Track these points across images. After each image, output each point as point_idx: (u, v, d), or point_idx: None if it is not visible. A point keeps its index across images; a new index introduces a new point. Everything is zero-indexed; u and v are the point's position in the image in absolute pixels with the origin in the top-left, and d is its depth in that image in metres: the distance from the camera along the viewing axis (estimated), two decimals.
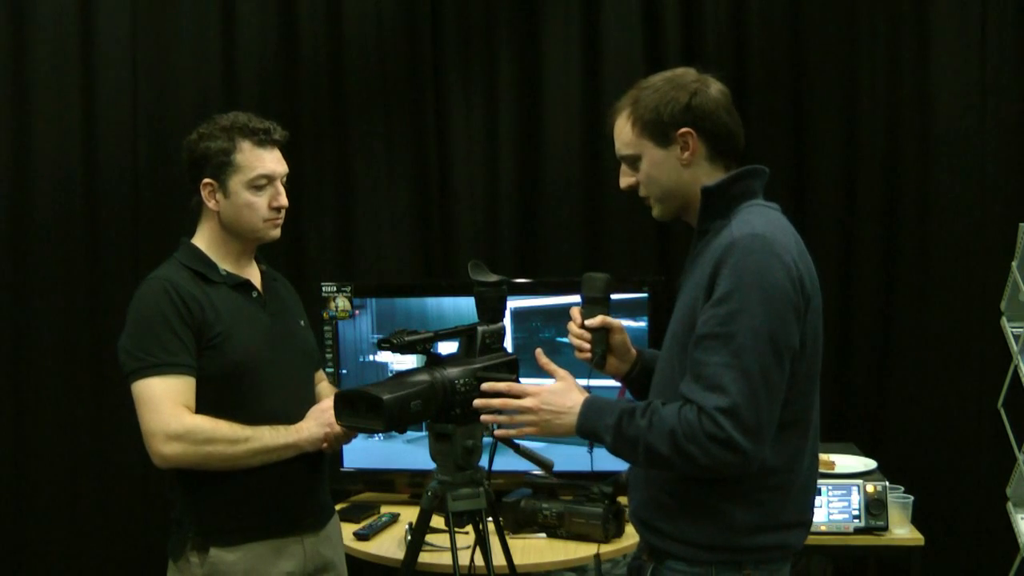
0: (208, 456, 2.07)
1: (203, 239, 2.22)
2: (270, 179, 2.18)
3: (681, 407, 1.72)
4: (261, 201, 2.18)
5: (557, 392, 1.85)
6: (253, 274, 2.28)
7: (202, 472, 2.10)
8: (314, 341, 2.45)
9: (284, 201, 2.21)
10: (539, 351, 1.92)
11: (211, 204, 2.18)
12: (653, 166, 1.87)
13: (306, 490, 2.25)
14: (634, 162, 1.89)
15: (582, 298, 2.04)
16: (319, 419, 2.19)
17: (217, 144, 2.15)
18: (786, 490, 1.82)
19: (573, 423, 1.82)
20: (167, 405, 2.06)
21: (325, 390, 2.44)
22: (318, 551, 2.26)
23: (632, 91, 1.91)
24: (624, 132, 1.88)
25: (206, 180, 2.16)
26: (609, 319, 2.02)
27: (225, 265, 2.21)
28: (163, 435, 2.05)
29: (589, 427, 1.81)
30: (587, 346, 2.02)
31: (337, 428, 2.17)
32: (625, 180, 1.92)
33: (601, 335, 2.02)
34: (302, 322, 2.39)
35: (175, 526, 2.18)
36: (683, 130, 1.84)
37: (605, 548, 2.71)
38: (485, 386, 1.89)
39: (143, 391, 2.07)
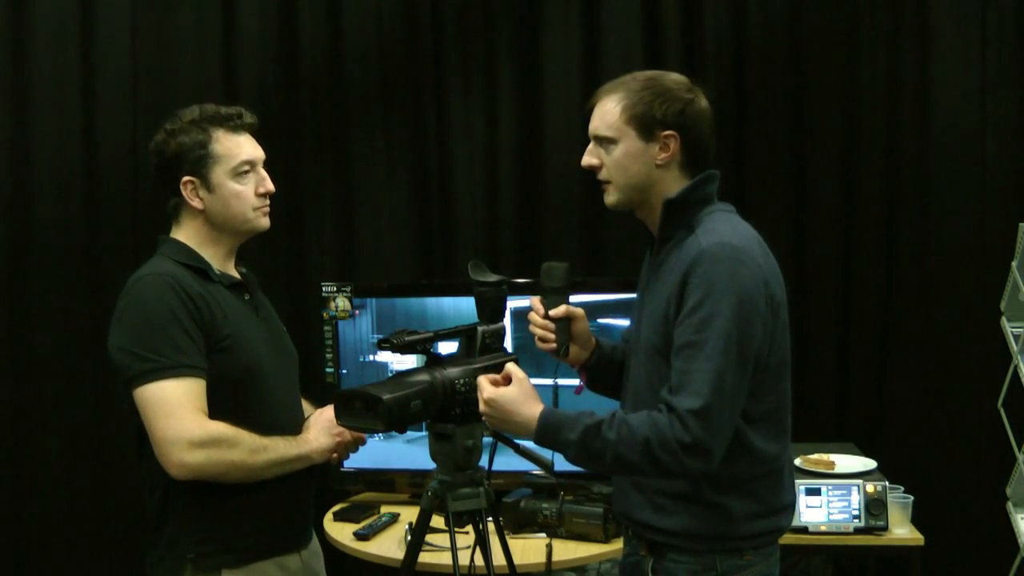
0: (231, 466, 1.96)
1: (189, 238, 2.10)
2: (252, 165, 2.09)
3: (651, 413, 1.78)
4: (248, 189, 2.08)
5: (509, 403, 1.87)
6: (236, 275, 2.18)
7: (205, 489, 1.98)
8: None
9: (271, 186, 2.12)
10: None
11: (195, 203, 2.06)
12: (628, 156, 1.90)
13: (306, 505, 2.20)
14: (608, 145, 1.91)
15: (543, 289, 2.06)
16: (327, 429, 2.12)
17: (191, 138, 2.04)
18: (777, 476, 1.92)
19: (529, 434, 1.86)
20: (187, 410, 1.93)
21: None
22: (310, 564, 2.21)
23: (626, 78, 1.93)
24: (610, 114, 1.90)
25: (186, 178, 2.04)
26: (572, 308, 2.05)
27: (216, 265, 2.10)
28: (186, 443, 1.91)
29: (548, 444, 1.85)
30: (551, 336, 2.05)
31: (347, 436, 2.14)
32: (589, 159, 1.95)
33: (564, 325, 2.05)
34: (283, 327, 2.30)
35: (165, 547, 2.02)
36: (669, 132, 1.88)
37: (605, 548, 2.72)
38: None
39: (156, 395, 1.93)
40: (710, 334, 1.75)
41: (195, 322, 1.98)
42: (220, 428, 1.96)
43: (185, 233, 2.11)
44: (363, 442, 2.24)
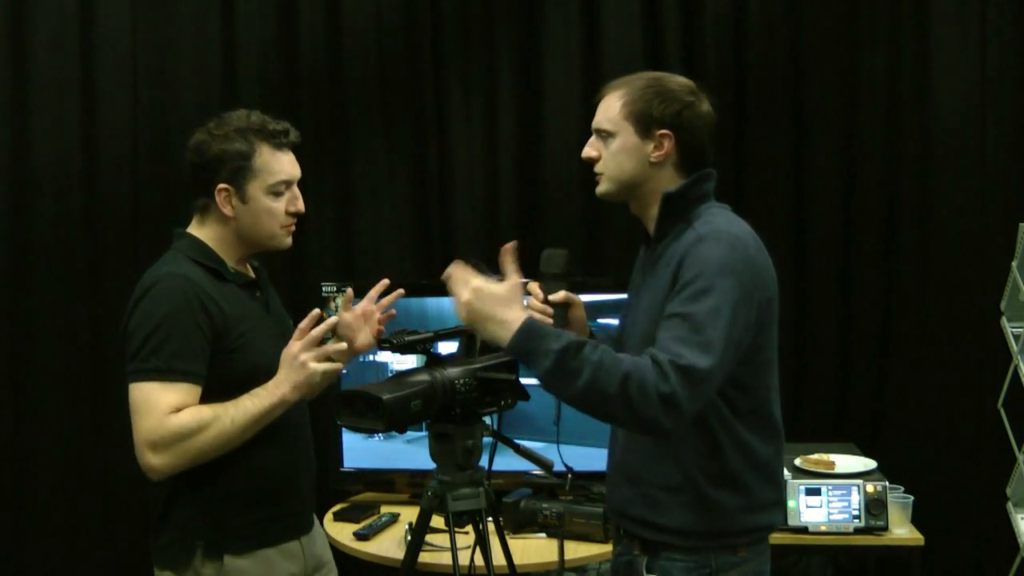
0: (200, 452, 1.97)
1: (209, 237, 2.12)
2: (288, 184, 2.11)
3: (636, 358, 1.76)
4: (280, 206, 2.09)
5: (496, 299, 1.82)
6: (249, 271, 2.21)
7: (211, 478, 2.02)
8: None
9: (302, 206, 2.13)
10: (508, 247, 1.90)
11: (227, 210, 2.07)
12: (623, 150, 1.95)
13: (307, 493, 2.22)
14: (607, 138, 1.97)
15: (542, 275, 2.08)
16: (288, 364, 2.02)
17: (234, 147, 2.04)
18: (767, 471, 1.93)
19: (506, 338, 1.80)
20: (157, 413, 1.95)
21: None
22: (312, 551, 2.23)
23: (633, 76, 1.99)
24: (611, 108, 1.96)
25: (222, 185, 2.05)
26: (571, 295, 2.07)
27: (230, 263, 2.13)
28: (149, 444, 1.95)
29: (525, 347, 1.79)
30: (550, 321, 2.04)
31: (317, 367, 2.02)
32: (588, 151, 2.01)
33: (562, 310, 2.07)
34: (290, 320, 2.30)
35: (173, 533, 2.06)
36: (664, 132, 1.92)
37: (605, 548, 2.72)
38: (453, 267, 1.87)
39: (138, 395, 1.97)
40: (700, 308, 1.76)
41: (201, 328, 1.99)
42: (181, 421, 1.95)
43: (207, 232, 2.12)
44: (345, 363, 2.16)
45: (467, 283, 1.84)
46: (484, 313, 1.82)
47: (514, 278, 1.87)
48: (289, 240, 2.16)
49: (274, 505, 2.11)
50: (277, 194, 2.09)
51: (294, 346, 2.03)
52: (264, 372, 2.06)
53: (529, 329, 1.80)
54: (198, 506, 2.05)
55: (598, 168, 1.99)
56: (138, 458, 1.98)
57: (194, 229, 2.14)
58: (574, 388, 1.75)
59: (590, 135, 2.02)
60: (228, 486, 2.05)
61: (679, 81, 1.98)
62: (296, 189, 2.14)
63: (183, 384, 1.98)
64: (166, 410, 1.96)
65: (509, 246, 1.92)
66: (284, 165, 2.10)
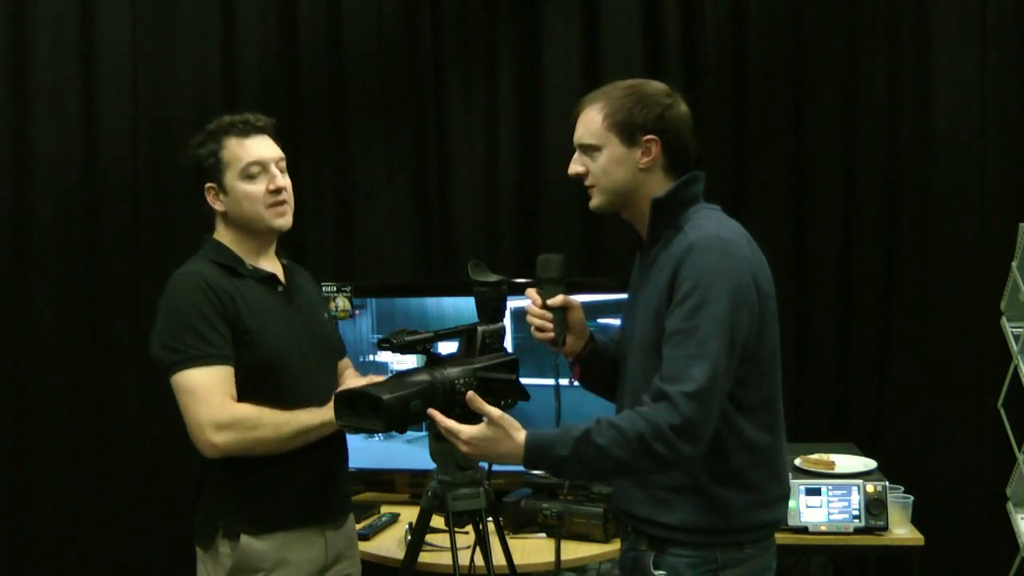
0: (256, 442, 2.11)
1: (226, 238, 2.27)
2: (262, 165, 2.21)
3: (637, 410, 1.80)
4: (258, 188, 2.21)
5: (489, 441, 1.87)
6: (276, 268, 2.32)
7: (233, 466, 2.14)
8: (338, 333, 2.53)
9: (280, 182, 2.23)
10: (470, 394, 1.90)
11: (217, 206, 2.24)
12: (611, 161, 1.95)
13: (329, 483, 2.29)
14: (593, 152, 1.97)
15: (538, 280, 2.09)
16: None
17: (205, 148, 2.22)
18: (772, 465, 1.95)
19: (520, 464, 1.86)
20: (214, 395, 2.09)
21: (351, 375, 2.45)
22: (336, 543, 2.31)
23: (607, 87, 2.00)
24: (592, 122, 1.96)
25: (207, 185, 2.22)
26: (569, 298, 2.09)
27: (250, 260, 2.25)
28: (213, 425, 2.08)
29: (539, 465, 1.86)
30: (549, 326, 2.08)
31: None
32: (575, 167, 2.01)
33: (560, 314, 2.08)
34: (325, 315, 2.45)
35: (203, 515, 2.22)
36: (650, 137, 1.94)
37: (605, 548, 2.72)
38: (436, 416, 1.90)
39: (186, 382, 2.10)
40: (700, 321, 1.79)
41: (220, 316, 2.14)
42: (244, 410, 2.12)
43: (223, 235, 2.28)
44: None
45: (459, 437, 1.88)
46: (487, 456, 1.91)
47: (492, 413, 1.87)
48: (281, 220, 2.25)
49: (291, 494, 2.20)
50: (251, 177, 2.21)
51: (343, 376, 2.31)
52: (279, 363, 2.20)
53: (532, 451, 1.84)
54: (221, 492, 2.20)
55: (588, 182, 2.00)
56: (198, 438, 2.11)
57: (215, 233, 2.29)
58: (601, 474, 1.90)
59: (574, 144, 2.02)
60: (247, 475, 2.16)
61: (654, 85, 1.99)
62: (274, 168, 2.24)
63: (224, 366, 2.13)
64: (224, 391, 2.11)
65: (471, 395, 1.90)
66: (251, 149, 2.22)
